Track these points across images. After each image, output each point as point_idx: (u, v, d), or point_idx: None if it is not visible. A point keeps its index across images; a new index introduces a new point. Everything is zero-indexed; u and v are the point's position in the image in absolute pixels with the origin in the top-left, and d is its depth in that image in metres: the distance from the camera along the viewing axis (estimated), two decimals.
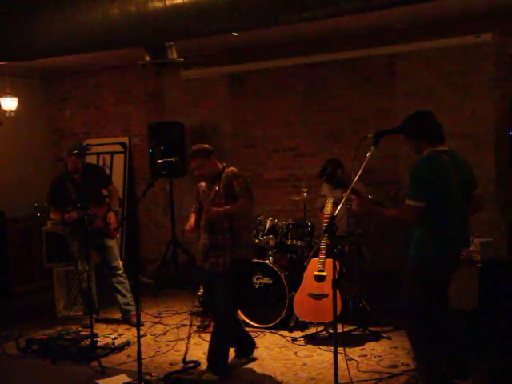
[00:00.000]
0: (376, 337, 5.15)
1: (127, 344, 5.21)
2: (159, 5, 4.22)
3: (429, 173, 3.73)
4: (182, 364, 4.68)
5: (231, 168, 4.56)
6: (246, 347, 4.82)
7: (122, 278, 5.87)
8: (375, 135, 3.42)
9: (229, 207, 4.38)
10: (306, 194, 5.95)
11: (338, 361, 3.32)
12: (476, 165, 4.10)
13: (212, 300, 4.60)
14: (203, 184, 4.66)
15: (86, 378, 4.53)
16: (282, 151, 7.25)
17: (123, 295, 5.85)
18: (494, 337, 4.45)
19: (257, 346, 5.10)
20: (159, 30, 4.48)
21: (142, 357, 4.16)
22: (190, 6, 4.15)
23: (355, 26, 6.09)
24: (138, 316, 4.14)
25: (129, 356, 4.97)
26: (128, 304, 5.87)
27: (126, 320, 5.87)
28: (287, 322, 5.45)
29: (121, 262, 5.94)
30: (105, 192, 6.07)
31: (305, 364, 4.65)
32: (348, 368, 4.08)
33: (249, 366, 4.68)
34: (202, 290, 6.06)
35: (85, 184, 5.76)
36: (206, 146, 4.61)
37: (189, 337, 5.22)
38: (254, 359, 4.79)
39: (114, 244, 5.88)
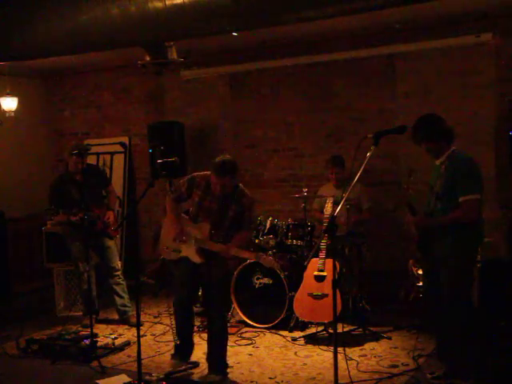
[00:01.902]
0: (376, 337, 5.15)
1: (127, 344, 5.22)
2: (159, 5, 4.22)
3: (477, 167, 3.96)
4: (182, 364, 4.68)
5: (247, 193, 4.42)
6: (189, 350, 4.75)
7: (119, 280, 5.87)
8: (375, 135, 3.42)
9: (236, 246, 4.29)
10: (306, 194, 5.95)
11: (338, 361, 3.31)
12: None
13: (192, 295, 4.59)
14: (203, 185, 4.39)
15: (86, 378, 4.53)
16: (282, 151, 7.25)
17: (120, 297, 5.85)
18: (493, 337, 4.45)
19: (257, 345, 5.12)
20: (159, 30, 4.48)
21: (142, 357, 4.15)
22: (190, 6, 4.15)
23: (355, 25, 6.09)
24: (138, 316, 4.13)
25: (129, 356, 4.97)
26: (125, 305, 5.87)
27: (124, 321, 5.87)
28: (287, 322, 5.45)
29: (120, 263, 5.94)
30: (103, 192, 6.07)
31: (305, 364, 4.65)
32: (348, 368, 4.08)
33: (249, 366, 4.67)
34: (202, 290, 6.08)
35: (86, 184, 5.76)
36: (234, 160, 4.31)
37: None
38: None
39: (113, 244, 5.88)
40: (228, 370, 4.51)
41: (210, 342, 4.52)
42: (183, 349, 4.67)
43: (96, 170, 6.23)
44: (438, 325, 4.18)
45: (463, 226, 3.89)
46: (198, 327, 5.61)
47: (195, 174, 4.53)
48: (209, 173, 4.39)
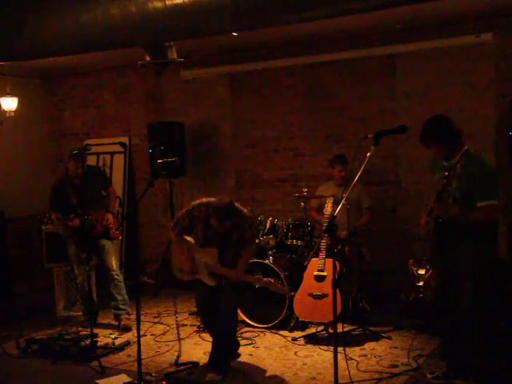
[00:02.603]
0: (376, 337, 5.15)
1: (127, 344, 5.21)
2: (159, 5, 4.23)
3: (494, 170, 3.94)
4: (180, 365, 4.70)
5: (244, 212, 4.53)
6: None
7: (115, 281, 5.77)
8: (375, 135, 3.41)
9: (256, 278, 4.46)
10: (306, 194, 5.94)
11: (338, 361, 3.31)
12: None
13: (210, 316, 4.63)
14: (202, 218, 4.49)
15: (85, 378, 4.53)
16: (282, 151, 7.25)
17: (114, 298, 5.76)
18: (494, 337, 4.45)
19: (257, 345, 5.12)
20: (159, 30, 4.48)
21: (142, 357, 4.15)
22: (190, 6, 4.15)
23: (355, 25, 6.09)
24: (138, 316, 4.13)
25: (129, 356, 4.97)
26: (117, 308, 5.77)
27: (117, 324, 5.78)
28: (287, 322, 5.44)
29: (114, 263, 5.82)
30: (103, 193, 6.01)
31: (305, 364, 4.65)
32: (348, 368, 4.07)
33: (249, 366, 4.67)
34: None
35: (85, 187, 5.70)
36: (232, 203, 4.41)
37: (179, 339, 5.22)
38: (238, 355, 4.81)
39: (108, 244, 5.80)
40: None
41: (214, 341, 4.56)
42: None
43: (96, 171, 6.16)
44: (446, 324, 4.12)
45: (486, 226, 3.85)
46: (198, 327, 5.61)
47: (193, 205, 4.59)
48: (205, 201, 4.51)
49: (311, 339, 5.18)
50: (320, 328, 5.32)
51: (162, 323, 5.85)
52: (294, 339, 5.20)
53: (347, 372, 4.03)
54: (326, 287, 5.00)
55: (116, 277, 5.79)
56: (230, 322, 4.53)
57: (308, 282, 5.17)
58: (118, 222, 5.99)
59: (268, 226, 5.85)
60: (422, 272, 5.19)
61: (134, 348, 4.43)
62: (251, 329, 5.53)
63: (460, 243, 3.92)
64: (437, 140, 3.96)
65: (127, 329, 5.61)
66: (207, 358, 4.66)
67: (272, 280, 4.63)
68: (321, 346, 4.99)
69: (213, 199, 4.50)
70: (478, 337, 3.92)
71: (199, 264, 4.54)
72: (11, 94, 7.21)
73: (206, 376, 4.43)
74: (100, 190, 5.95)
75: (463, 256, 3.92)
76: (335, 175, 6.06)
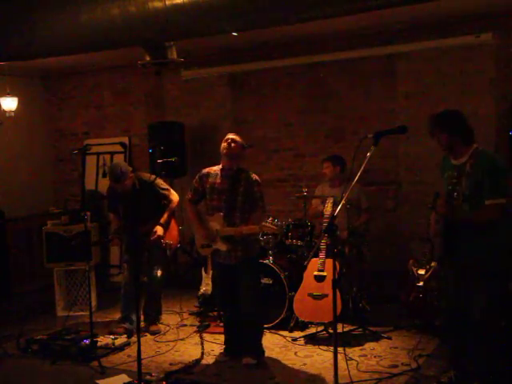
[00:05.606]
0: (376, 337, 5.15)
1: (127, 344, 5.21)
2: (159, 5, 4.23)
3: (505, 167, 3.82)
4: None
5: (253, 173, 4.74)
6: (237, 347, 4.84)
7: (151, 288, 5.67)
8: (375, 135, 3.40)
9: (252, 227, 4.53)
10: (306, 194, 5.94)
11: (338, 361, 3.31)
12: None
13: (227, 297, 4.79)
14: (212, 173, 4.75)
15: (86, 378, 4.53)
16: (282, 151, 7.25)
17: (148, 305, 5.70)
18: (493, 337, 4.44)
19: None
20: (159, 30, 4.48)
21: (142, 357, 4.15)
22: (190, 6, 4.16)
23: (355, 26, 6.09)
24: (138, 316, 4.14)
25: (129, 356, 4.96)
26: (149, 314, 5.71)
27: (145, 328, 5.67)
28: (287, 322, 5.44)
29: (159, 273, 5.68)
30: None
31: (305, 364, 4.65)
32: (348, 368, 4.07)
33: (249, 366, 4.66)
34: (202, 290, 6.07)
35: (133, 202, 5.44)
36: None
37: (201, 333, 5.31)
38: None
39: (158, 254, 5.64)
40: (226, 371, 4.53)
41: (241, 326, 4.70)
42: (230, 344, 4.88)
43: (147, 185, 5.45)
44: (456, 330, 4.01)
45: (496, 227, 3.74)
46: (198, 327, 5.61)
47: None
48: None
49: (311, 339, 5.18)
50: (320, 328, 5.32)
51: (162, 323, 5.85)
52: (294, 339, 5.20)
53: (347, 372, 4.03)
54: (326, 287, 4.99)
55: (154, 285, 5.69)
56: (253, 304, 4.64)
57: (308, 282, 5.17)
58: (178, 234, 5.81)
59: None
60: (421, 272, 5.19)
61: (134, 348, 4.43)
62: None
63: (467, 244, 3.80)
64: (448, 127, 3.82)
65: (155, 332, 5.56)
66: (207, 358, 4.66)
67: (264, 224, 4.74)
68: (321, 346, 4.99)
69: None
70: (491, 340, 3.85)
71: (212, 232, 4.69)
72: (11, 93, 7.20)
73: (242, 361, 4.61)
74: (154, 203, 5.60)
75: (471, 257, 3.80)
76: (324, 173, 6.06)
